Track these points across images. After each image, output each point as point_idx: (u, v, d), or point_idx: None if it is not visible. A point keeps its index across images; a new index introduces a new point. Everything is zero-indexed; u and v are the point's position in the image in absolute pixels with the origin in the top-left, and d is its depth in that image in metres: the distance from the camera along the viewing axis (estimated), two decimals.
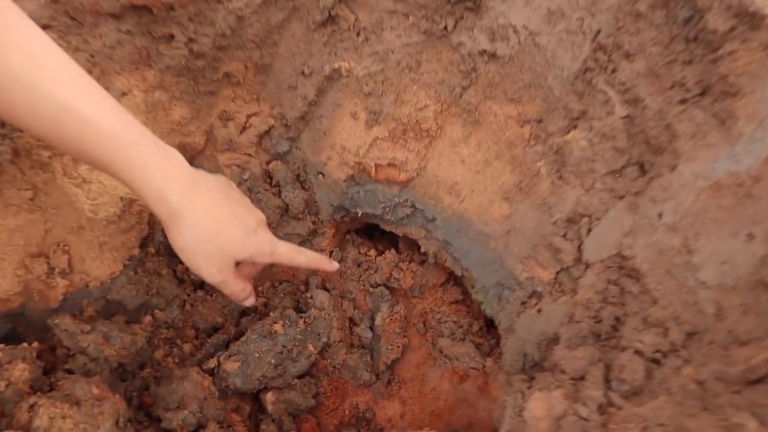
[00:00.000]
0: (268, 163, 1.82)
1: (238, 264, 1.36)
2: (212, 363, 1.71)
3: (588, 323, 1.51)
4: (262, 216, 1.41)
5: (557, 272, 1.63)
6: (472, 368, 2.00)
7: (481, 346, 2.04)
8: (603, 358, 1.45)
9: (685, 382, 1.16)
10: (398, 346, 2.00)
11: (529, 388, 1.45)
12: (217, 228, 1.24)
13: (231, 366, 1.71)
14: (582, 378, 1.35)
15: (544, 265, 1.65)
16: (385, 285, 2.09)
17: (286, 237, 1.86)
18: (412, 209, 1.85)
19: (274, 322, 1.79)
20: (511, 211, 1.70)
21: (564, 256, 1.59)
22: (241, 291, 1.41)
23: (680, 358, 1.24)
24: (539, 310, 1.66)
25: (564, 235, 1.60)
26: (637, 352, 1.31)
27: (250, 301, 1.49)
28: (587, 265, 1.55)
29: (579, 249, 1.56)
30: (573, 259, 1.57)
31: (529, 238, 1.67)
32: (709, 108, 1.25)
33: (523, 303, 1.72)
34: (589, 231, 1.54)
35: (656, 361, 1.28)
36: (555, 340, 1.56)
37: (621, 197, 1.48)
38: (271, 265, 1.95)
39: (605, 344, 1.55)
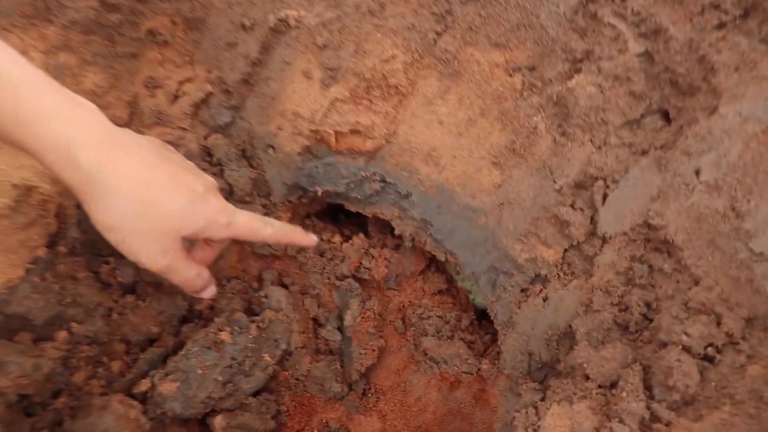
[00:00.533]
0: (206, 137, 1.66)
1: (188, 243, 1.21)
2: (144, 385, 1.49)
3: (611, 312, 1.31)
4: (211, 180, 1.25)
5: (565, 250, 1.45)
6: (465, 372, 1.78)
7: (474, 345, 1.84)
8: (638, 357, 1.23)
9: (755, 385, 1.01)
10: (373, 350, 1.80)
11: (542, 399, 1.27)
12: (153, 194, 1.06)
13: (168, 387, 1.48)
14: (614, 385, 1.16)
15: (548, 243, 1.47)
16: (353, 276, 1.90)
17: None
18: (382, 184, 1.68)
19: (220, 330, 1.58)
20: (504, 179, 1.52)
21: (573, 230, 1.40)
22: (195, 277, 1.25)
23: (742, 354, 1.07)
24: (545, 299, 1.47)
25: (572, 205, 1.41)
26: (685, 349, 1.15)
27: (209, 292, 1.35)
28: (604, 240, 1.36)
29: (592, 220, 1.38)
30: (585, 233, 1.39)
31: (527, 211, 1.49)
32: (755, 32, 1.12)
33: (523, 290, 1.54)
34: (605, 197, 1.35)
35: (709, 359, 1.10)
36: (568, 335, 1.39)
37: (644, 153, 1.31)
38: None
39: (636, 339, 1.31)
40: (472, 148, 1.54)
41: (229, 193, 1.66)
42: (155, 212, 1.06)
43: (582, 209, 1.38)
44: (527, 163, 1.46)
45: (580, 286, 1.38)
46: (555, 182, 1.40)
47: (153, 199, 1.06)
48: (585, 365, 1.15)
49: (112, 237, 1.07)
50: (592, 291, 1.33)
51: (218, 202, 1.18)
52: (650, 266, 1.26)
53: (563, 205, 1.40)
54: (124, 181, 1.01)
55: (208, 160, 1.64)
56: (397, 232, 1.74)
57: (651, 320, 1.22)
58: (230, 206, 1.21)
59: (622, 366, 1.14)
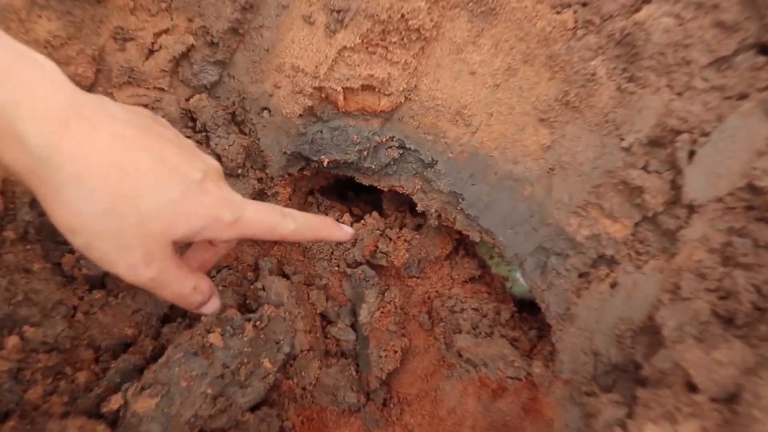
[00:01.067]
0: (188, 99, 1.47)
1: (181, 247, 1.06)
2: (115, 402, 1.27)
3: (707, 301, 1.09)
4: (214, 163, 0.99)
5: (636, 224, 1.26)
6: (511, 377, 1.54)
7: (518, 343, 1.64)
8: (764, 361, 0.96)
9: None
10: (395, 351, 1.59)
11: (629, 416, 1.05)
12: (130, 184, 0.78)
13: (144, 405, 1.26)
14: (732, 399, 0.93)
15: (614, 215, 1.28)
16: (368, 263, 1.71)
17: None
18: (402, 151, 1.51)
19: (209, 331, 1.39)
20: (554, 139, 1.32)
21: (649, 197, 1.21)
22: (191, 292, 0.95)
23: None
24: (613, 285, 1.28)
25: (645, 167, 1.22)
26: None
27: (210, 307, 1.05)
28: (691, 209, 1.17)
29: (674, 185, 1.18)
30: (664, 202, 1.20)
31: (585, 177, 1.30)
32: None
33: (583, 275, 1.35)
34: (692, 155, 1.14)
35: None
36: (648, 330, 1.19)
37: (742, 97, 1.10)
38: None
39: (748, 335, 1.03)
40: (513, 103, 1.34)
41: None
42: (134, 209, 0.78)
43: (659, 172, 1.19)
44: (584, 118, 1.26)
45: (659, 268, 1.19)
46: (622, 140, 1.21)
47: (130, 191, 0.78)
48: (691, 371, 0.95)
49: (77, 241, 0.78)
50: (679, 274, 1.14)
51: (220, 193, 0.90)
52: (754, 240, 1.06)
53: (633, 167, 1.22)
54: (90, 167, 0.74)
55: (191, 126, 1.48)
56: (419, 208, 1.58)
57: (763, 310, 1.02)
58: (237, 197, 0.94)
59: (744, 372, 0.92)
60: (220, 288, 1.57)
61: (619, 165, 1.23)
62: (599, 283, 1.29)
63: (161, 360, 1.33)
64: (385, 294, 1.68)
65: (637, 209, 1.23)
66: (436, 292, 1.77)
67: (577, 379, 1.31)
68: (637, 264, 1.24)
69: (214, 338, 1.38)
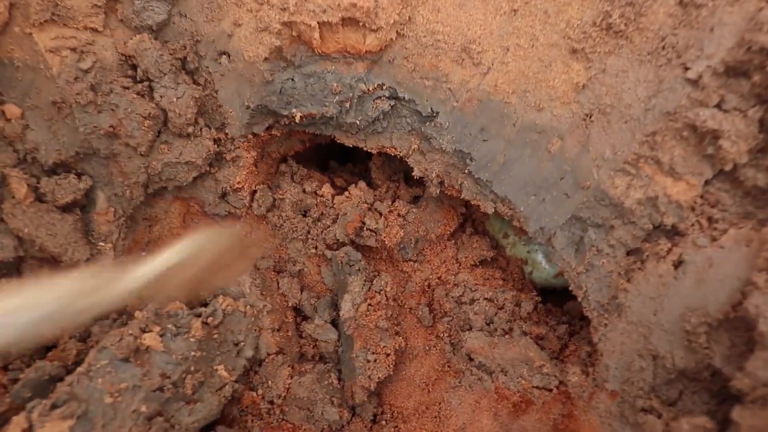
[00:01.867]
0: (127, 43, 1.37)
1: None
2: (16, 427, 1.09)
3: None
4: None
5: (708, 182, 1.09)
6: (538, 388, 1.30)
7: (545, 342, 1.42)
8: None
9: None
10: (387, 354, 1.41)
11: None
12: None
13: (54, 429, 1.08)
14: None
15: (677, 171, 1.10)
16: (353, 243, 1.56)
17: (167, 170, 1.44)
18: (393, 101, 1.37)
19: (144, 330, 1.24)
20: (592, 76, 1.16)
21: (727, 145, 1.02)
22: None
23: None
24: (678, 264, 1.09)
25: (720, 104, 1.03)
26: None
27: None
28: None
29: (765, 125, 1.01)
30: (750, 150, 1.02)
31: (636, 123, 1.13)
32: None
33: (634, 252, 1.18)
34: None
35: None
36: (733, 324, 0.99)
37: None
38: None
39: None
40: (536, 32, 1.21)
41: (163, 122, 1.41)
42: None
43: (740, 110, 1.03)
44: (632, 46, 1.12)
45: (745, 240, 1.02)
46: (687, 70, 1.06)
47: None
48: None
49: None
50: None
51: None
52: None
53: (704, 105, 1.06)
54: None
55: (130, 74, 1.38)
56: (416, 174, 1.43)
57: None
58: None
59: None
60: None
61: (682, 104, 1.08)
62: (658, 262, 1.12)
63: (80, 369, 1.19)
64: (374, 282, 1.51)
65: (709, 162, 1.08)
66: (439, 279, 1.59)
67: (630, 391, 1.14)
68: (712, 235, 1.07)
69: (150, 339, 1.23)
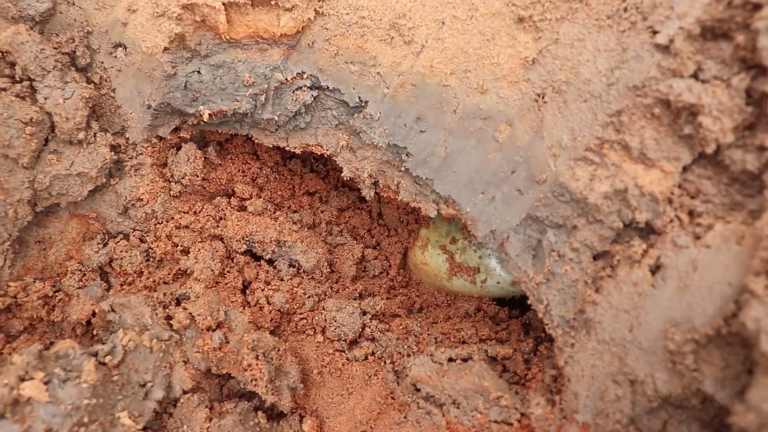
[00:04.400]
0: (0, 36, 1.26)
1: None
2: None
3: None
4: None
5: (686, 168, 0.93)
6: (496, 422, 1.10)
7: (510, 365, 1.24)
8: None
9: None
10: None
11: None
12: None
13: None
14: None
15: (649, 157, 0.95)
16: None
17: (57, 183, 1.26)
18: (316, 92, 1.24)
19: (23, 378, 1.03)
20: (543, 47, 1.01)
21: (707, 122, 0.86)
22: None
23: None
24: (656, 269, 0.93)
25: (697, 74, 0.89)
26: None
27: None
28: None
29: (752, 96, 0.86)
30: (735, 127, 0.87)
31: (597, 101, 0.97)
32: None
33: (602, 256, 1.00)
34: None
35: None
36: (726, 340, 0.84)
37: None
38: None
39: None
40: (475, 1, 1.09)
41: (50, 128, 1.28)
42: None
43: (721, 78, 0.87)
44: (588, 9, 0.98)
45: (735, 237, 0.86)
46: (655, 33, 0.92)
47: None
48: None
49: None
50: None
51: None
52: None
53: (677, 75, 0.90)
54: None
55: (8, 73, 1.25)
56: (345, 175, 1.29)
57: None
58: None
59: None
60: (36, 306, 1.27)
61: (652, 75, 0.93)
62: (631, 267, 0.97)
63: None
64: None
65: (687, 144, 0.93)
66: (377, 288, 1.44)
67: (605, 424, 0.98)
68: (695, 232, 0.92)
69: (31, 389, 1.05)
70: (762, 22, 0.80)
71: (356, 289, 1.42)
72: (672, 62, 0.91)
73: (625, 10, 0.93)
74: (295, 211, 1.47)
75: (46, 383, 1.06)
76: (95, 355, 1.14)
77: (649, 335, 0.93)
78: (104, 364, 1.12)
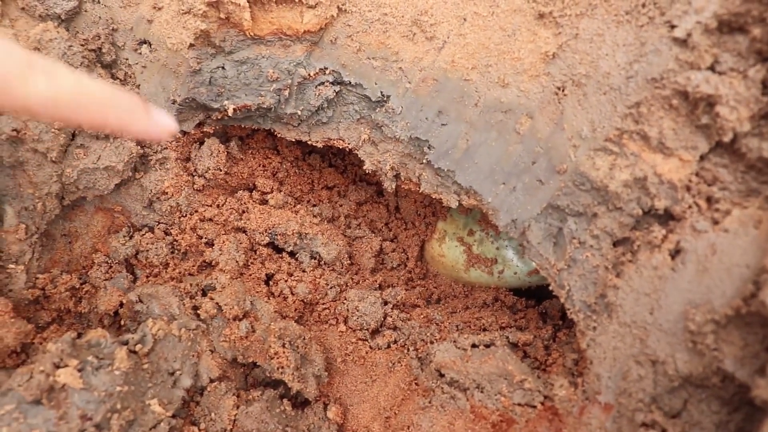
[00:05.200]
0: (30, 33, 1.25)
1: None
2: None
3: None
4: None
5: (704, 157, 0.94)
6: (520, 405, 1.11)
7: (530, 350, 1.24)
8: None
9: None
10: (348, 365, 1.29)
11: None
12: None
13: None
14: None
15: (668, 146, 0.95)
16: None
17: (85, 177, 1.27)
18: (338, 87, 1.24)
19: (59, 365, 1.03)
20: (563, 43, 1.01)
21: (725, 112, 0.87)
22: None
23: None
24: (676, 253, 0.93)
25: (714, 66, 0.89)
26: None
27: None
28: None
29: (766, 89, 0.87)
30: (752, 116, 0.87)
31: (616, 93, 0.98)
32: None
33: (623, 243, 1.01)
34: None
35: None
36: (745, 320, 0.84)
37: None
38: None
39: None
40: None
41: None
42: None
43: (738, 70, 0.88)
44: (607, 5, 0.99)
45: (753, 221, 0.87)
46: (672, 28, 0.92)
47: None
48: None
49: None
50: None
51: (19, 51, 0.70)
52: None
53: (695, 68, 0.91)
54: None
55: None
56: (367, 167, 1.29)
57: None
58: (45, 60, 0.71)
59: None
60: (64, 297, 1.26)
61: (670, 68, 0.93)
62: (651, 252, 0.97)
63: None
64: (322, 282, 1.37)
65: (705, 133, 0.93)
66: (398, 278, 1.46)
67: (627, 403, 0.98)
68: (713, 218, 0.93)
69: (66, 376, 1.04)
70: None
71: (376, 281, 1.41)
72: (690, 55, 0.90)
73: (644, 5, 0.93)
74: (314, 205, 1.47)
75: (80, 370, 1.06)
76: (126, 343, 1.13)
77: (669, 317, 0.94)
78: (135, 352, 1.12)
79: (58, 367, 1.05)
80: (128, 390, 1.09)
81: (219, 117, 1.30)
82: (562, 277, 1.06)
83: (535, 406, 1.10)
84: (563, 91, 1.02)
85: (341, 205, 1.50)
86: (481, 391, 1.13)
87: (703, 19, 0.87)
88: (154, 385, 1.14)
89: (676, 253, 0.93)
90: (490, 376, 1.13)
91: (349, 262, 1.41)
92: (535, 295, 1.41)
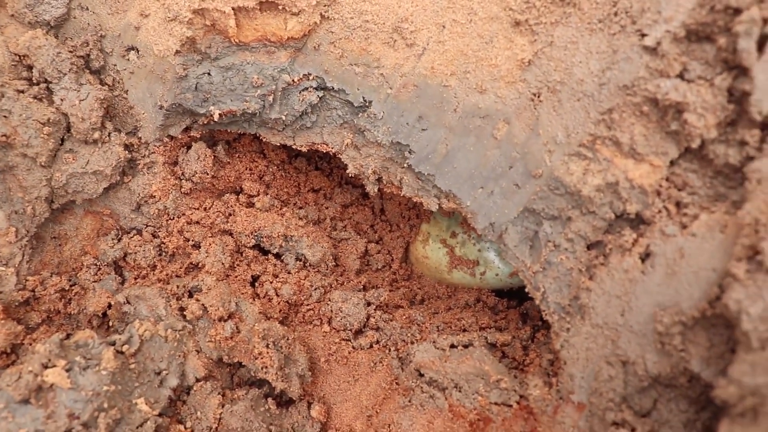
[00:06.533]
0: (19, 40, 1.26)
1: None
2: None
3: None
4: None
5: (673, 162, 0.96)
6: (496, 404, 1.13)
7: (508, 350, 1.26)
8: None
9: None
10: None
11: None
12: None
13: None
14: None
15: (639, 152, 0.97)
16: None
17: (74, 181, 1.28)
18: (321, 92, 1.25)
19: (47, 365, 1.05)
20: (538, 50, 1.03)
21: (692, 119, 0.89)
22: None
23: None
24: (646, 256, 0.96)
25: (683, 74, 0.92)
26: None
27: None
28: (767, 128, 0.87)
29: (734, 94, 0.89)
30: (719, 123, 0.90)
31: (590, 100, 0.99)
32: None
33: (595, 246, 1.03)
34: (765, 43, 0.84)
35: None
36: (711, 321, 0.87)
37: None
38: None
39: None
40: (474, 6, 1.10)
41: (66, 128, 1.28)
42: None
43: (706, 78, 0.90)
44: (581, 13, 1.00)
45: (719, 225, 0.89)
46: (643, 36, 0.94)
47: None
48: None
49: None
50: (755, 230, 0.83)
51: None
52: None
53: (664, 75, 0.93)
54: None
55: (26, 76, 1.26)
56: (350, 171, 1.31)
57: None
58: None
59: None
60: (54, 299, 1.27)
61: (641, 75, 0.95)
62: (623, 255, 0.99)
63: None
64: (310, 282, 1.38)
65: (674, 140, 0.95)
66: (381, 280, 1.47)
67: (599, 403, 1.00)
68: (681, 222, 0.94)
69: (54, 375, 1.06)
70: (742, 25, 0.83)
71: (360, 282, 1.42)
72: (659, 63, 0.92)
73: (616, 14, 0.95)
74: (300, 208, 1.48)
75: (67, 371, 1.07)
76: (113, 344, 1.14)
77: (639, 319, 0.95)
78: (122, 352, 1.13)
79: (46, 367, 1.07)
80: (115, 389, 1.10)
81: (205, 122, 1.31)
82: (538, 279, 1.08)
83: (511, 405, 1.13)
84: (539, 97, 1.03)
85: (327, 208, 1.51)
86: (459, 391, 1.16)
87: (672, 28, 0.89)
88: (141, 384, 1.15)
89: (646, 256, 0.95)
90: (468, 375, 1.15)
91: (334, 263, 1.42)
92: (518, 296, 1.41)
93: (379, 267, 1.50)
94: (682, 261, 0.91)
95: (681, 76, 0.92)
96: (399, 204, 1.52)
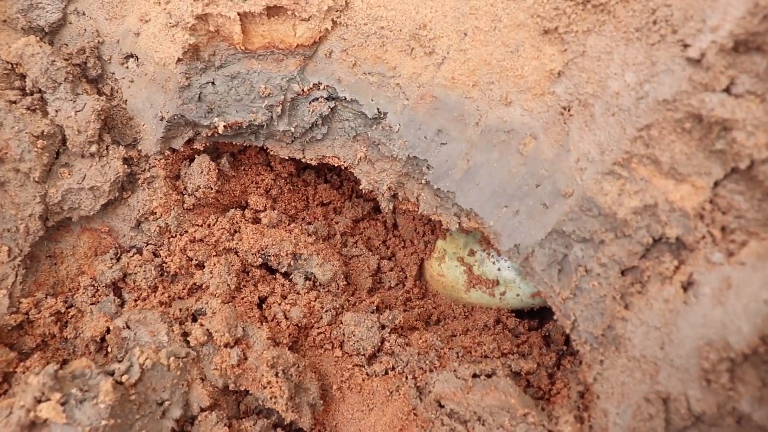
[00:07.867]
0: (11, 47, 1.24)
1: None
2: None
3: None
4: None
5: (718, 183, 0.88)
6: None
7: (534, 380, 1.21)
8: None
9: None
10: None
11: None
12: None
13: None
14: None
15: (680, 172, 0.91)
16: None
17: (70, 198, 1.24)
18: (333, 103, 1.21)
19: (40, 400, 0.98)
20: (569, 60, 0.98)
21: (740, 137, 0.84)
22: None
23: None
24: (688, 285, 0.89)
25: (729, 88, 0.85)
26: None
27: None
28: None
29: None
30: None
31: (625, 115, 0.93)
32: None
33: (631, 271, 0.95)
34: None
35: None
36: (764, 357, 0.80)
37: None
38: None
39: None
40: (498, 12, 1.04)
41: (61, 141, 1.24)
42: None
43: (755, 93, 0.83)
44: (616, 21, 0.94)
45: None
46: (685, 47, 0.87)
47: None
48: None
49: None
50: None
51: None
52: None
53: (710, 90, 0.86)
54: None
55: (18, 86, 1.22)
56: (364, 187, 1.26)
57: None
58: None
59: None
60: (49, 324, 1.22)
61: (683, 89, 0.89)
62: (662, 284, 0.92)
63: None
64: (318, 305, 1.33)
65: (719, 159, 0.89)
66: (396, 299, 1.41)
67: None
68: (728, 249, 0.87)
69: (49, 410, 1.00)
70: None
71: (373, 302, 1.37)
72: (704, 76, 0.87)
73: (655, 23, 0.89)
74: (309, 223, 1.43)
75: (63, 404, 1.02)
76: (112, 374, 1.10)
77: (681, 352, 0.89)
78: (121, 383, 1.08)
79: (39, 401, 1.01)
80: (114, 423, 1.05)
81: (209, 134, 1.27)
82: (568, 306, 1.02)
83: None
84: (569, 111, 0.98)
85: (337, 223, 1.46)
86: (483, 424, 1.09)
87: (718, 39, 0.83)
88: (142, 416, 1.11)
89: (688, 285, 0.89)
90: (492, 408, 1.09)
91: (345, 282, 1.37)
92: (538, 315, 1.36)
93: (392, 285, 1.45)
94: (729, 291, 0.85)
95: (728, 90, 0.86)
96: (413, 219, 1.47)
